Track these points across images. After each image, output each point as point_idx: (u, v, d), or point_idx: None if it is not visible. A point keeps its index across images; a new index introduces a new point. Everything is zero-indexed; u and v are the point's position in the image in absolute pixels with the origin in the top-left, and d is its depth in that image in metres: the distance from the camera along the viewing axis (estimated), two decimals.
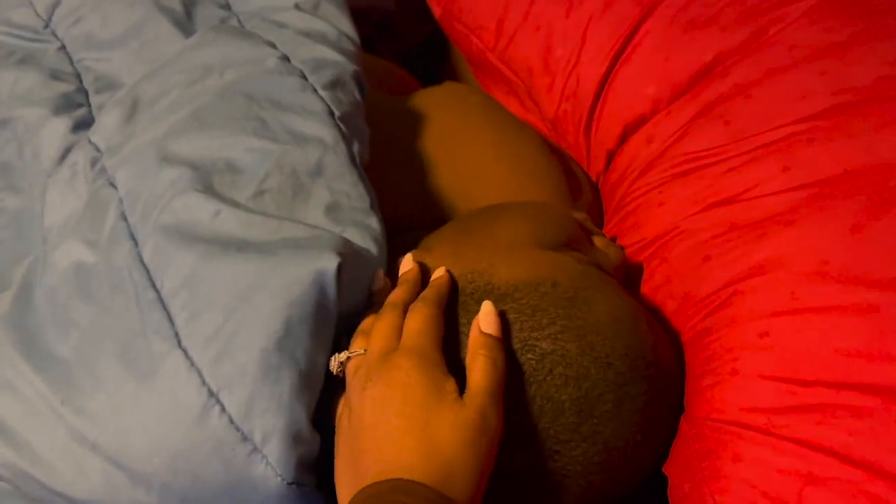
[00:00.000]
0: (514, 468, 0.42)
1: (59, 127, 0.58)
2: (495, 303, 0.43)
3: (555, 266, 0.45)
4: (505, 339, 0.42)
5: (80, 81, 0.62)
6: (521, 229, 0.48)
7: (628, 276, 0.54)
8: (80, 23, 0.65)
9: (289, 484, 0.41)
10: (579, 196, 0.61)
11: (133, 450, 0.41)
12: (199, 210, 0.45)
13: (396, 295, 0.44)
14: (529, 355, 0.42)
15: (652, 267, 0.52)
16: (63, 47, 0.65)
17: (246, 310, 0.41)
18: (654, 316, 0.49)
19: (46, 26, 0.66)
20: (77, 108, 0.60)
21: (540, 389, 0.41)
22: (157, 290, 0.44)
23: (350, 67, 0.56)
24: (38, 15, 0.67)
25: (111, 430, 0.41)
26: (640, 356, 0.43)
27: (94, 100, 0.60)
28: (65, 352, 0.44)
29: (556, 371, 0.42)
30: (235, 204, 0.46)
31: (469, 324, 0.43)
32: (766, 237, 0.46)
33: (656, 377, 0.44)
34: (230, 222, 0.45)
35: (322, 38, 0.58)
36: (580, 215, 0.54)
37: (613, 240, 0.57)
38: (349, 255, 0.44)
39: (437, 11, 0.78)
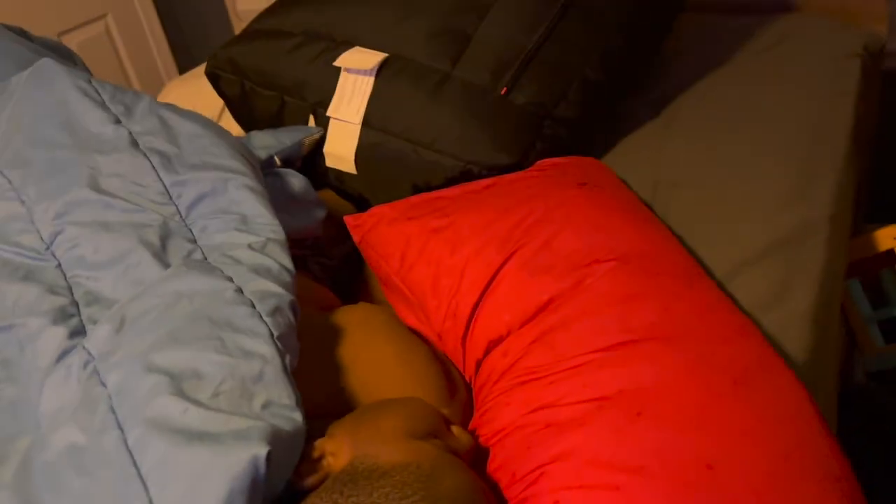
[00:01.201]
0: None
1: (56, 334, 0.74)
2: (378, 479, 0.63)
3: (420, 452, 0.66)
4: None
5: (72, 295, 0.79)
6: (398, 424, 0.70)
7: (478, 456, 0.75)
8: (75, 248, 0.83)
9: None
10: (454, 394, 0.83)
11: None
12: (172, 408, 0.63)
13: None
14: None
15: (495, 451, 0.74)
16: (59, 265, 0.82)
17: (201, 485, 0.58)
18: (493, 489, 0.70)
19: (48, 248, 0.84)
20: (70, 318, 0.77)
21: None
22: (137, 468, 0.60)
23: (287, 297, 0.78)
24: (42, 240, 0.85)
25: None
26: None
27: (84, 312, 0.78)
28: None
29: None
30: (198, 403, 0.64)
31: (354, 498, 0.62)
32: (564, 433, 0.70)
33: None
34: (193, 417, 0.62)
35: (267, 273, 0.80)
36: (445, 410, 0.76)
37: (470, 430, 0.78)
38: (276, 442, 0.61)
39: (356, 238, 1.03)
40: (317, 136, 1.18)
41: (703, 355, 0.73)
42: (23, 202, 0.87)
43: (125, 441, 0.63)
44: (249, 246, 0.83)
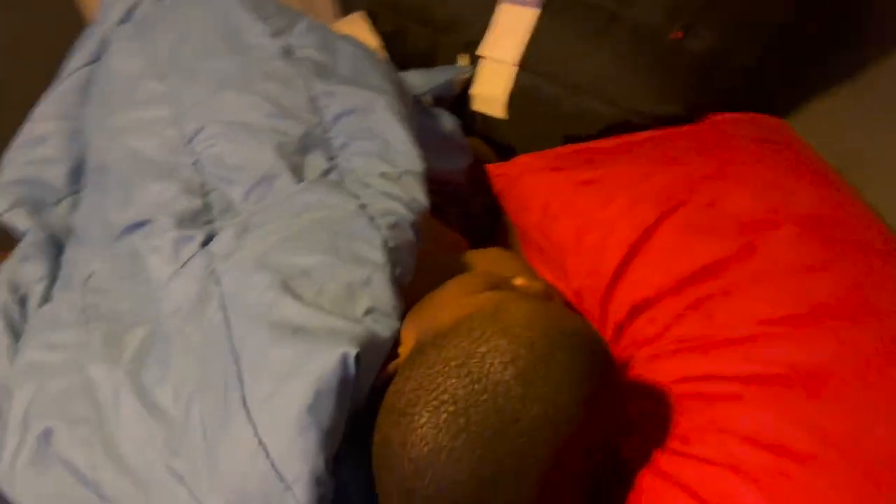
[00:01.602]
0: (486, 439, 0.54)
1: (185, 236, 0.75)
2: (443, 339, 0.58)
3: (479, 302, 0.62)
4: (452, 356, 0.56)
5: (206, 197, 0.80)
6: (453, 290, 0.66)
7: None
8: (214, 147, 0.82)
9: None
10: None
11: (209, 485, 0.56)
12: (274, 302, 0.63)
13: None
14: (474, 360, 0.56)
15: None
16: (197, 162, 0.82)
17: (290, 382, 0.57)
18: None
19: (188, 143, 0.84)
20: (202, 223, 0.77)
21: (489, 380, 0.55)
22: (236, 364, 0.60)
23: (410, 218, 0.74)
24: (184, 136, 0.85)
25: (193, 467, 0.57)
26: (556, 331, 0.57)
27: (215, 217, 0.77)
28: (163, 402, 0.61)
29: (495, 362, 0.55)
30: (301, 298, 0.63)
31: (426, 363, 0.57)
32: (717, 404, 0.60)
33: (579, 343, 0.58)
34: (294, 312, 0.62)
35: (396, 198, 0.76)
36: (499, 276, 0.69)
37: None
38: (369, 346, 0.60)
39: (496, 186, 0.96)
40: (468, 75, 1.11)
41: (886, 341, 0.60)
42: (179, 107, 0.88)
43: (230, 338, 0.62)
44: (383, 175, 0.80)
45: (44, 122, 0.98)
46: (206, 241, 0.75)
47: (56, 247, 0.89)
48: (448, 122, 1.03)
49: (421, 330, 0.62)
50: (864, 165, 0.90)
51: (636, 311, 0.75)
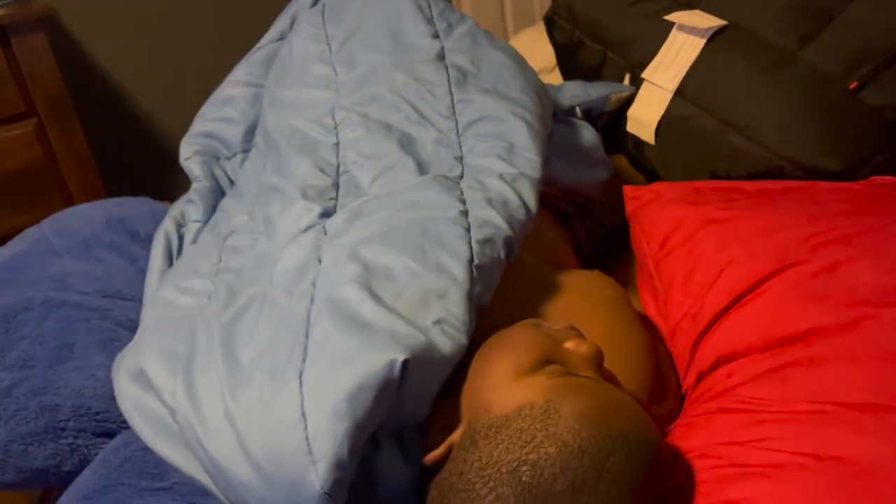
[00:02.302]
0: None
1: (310, 209, 0.82)
2: (495, 434, 0.59)
3: (532, 390, 0.61)
4: (504, 461, 0.57)
5: (338, 175, 0.87)
6: (504, 364, 0.64)
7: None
8: (355, 133, 0.90)
9: (324, 492, 0.59)
10: (661, 402, 0.74)
11: (252, 434, 0.63)
12: (354, 296, 0.68)
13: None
14: (524, 468, 0.57)
15: (677, 471, 0.64)
16: (337, 144, 0.91)
17: (340, 370, 0.62)
18: None
19: (335, 127, 0.93)
20: (327, 199, 0.84)
21: (540, 490, 0.56)
22: (306, 338, 0.66)
23: (505, 232, 0.76)
24: (333, 120, 0.94)
25: (246, 416, 0.64)
26: (605, 436, 0.57)
27: (341, 196, 0.84)
28: (243, 358, 0.68)
29: (545, 473, 0.56)
30: (377, 298, 0.67)
31: (478, 462, 0.59)
32: (746, 480, 0.58)
33: (627, 444, 0.57)
34: (367, 309, 0.66)
35: (502, 205, 0.79)
36: (550, 328, 0.68)
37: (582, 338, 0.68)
38: (425, 357, 0.63)
39: (628, 209, 0.96)
40: (625, 94, 1.11)
41: None
42: (337, 92, 0.97)
43: (309, 312, 0.68)
44: (500, 176, 0.83)
45: (233, 87, 1.13)
46: (324, 215, 0.82)
47: (218, 196, 1.02)
48: (589, 135, 1.05)
49: (473, 411, 0.63)
50: None
51: (720, 362, 0.73)
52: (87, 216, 1.01)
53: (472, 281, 0.70)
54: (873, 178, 0.91)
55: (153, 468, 0.71)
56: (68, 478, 0.78)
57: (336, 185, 0.86)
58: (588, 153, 1.04)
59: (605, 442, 0.57)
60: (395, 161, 0.86)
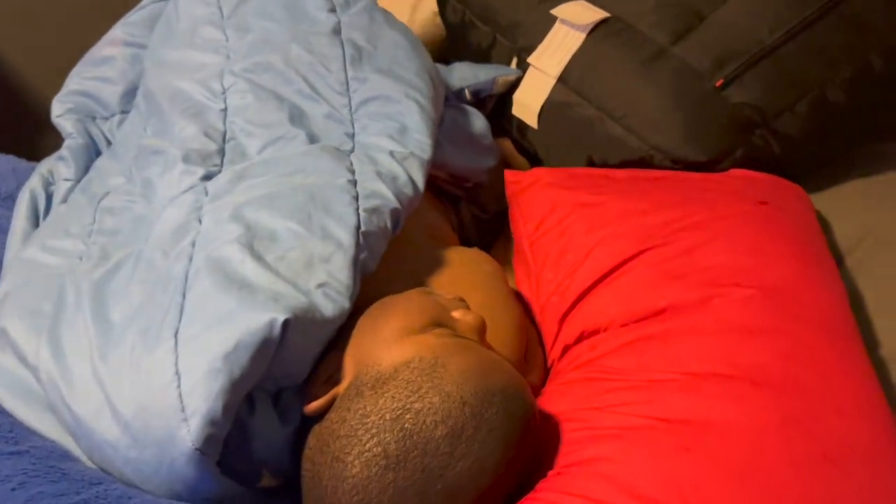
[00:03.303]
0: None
1: (191, 172, 0.82)
2: (382, 385, 0.63)
3: (420, 346, 0.66)
4: (388, 408, 0.62)
5: (224, 142, 0.87)
6: (395, 324, 0.68)
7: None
8: (244, 101, 0.90)
9: (195, 449, 0.61)
10: (527, 375, 0.79)
11: (121, 392, 0.64)
12: (234, 256, 0.69)
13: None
14: (408, 416, 0.61)
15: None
16: (225, 110, 0.90)
17: (218, 328, 0.63)
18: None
19: (223, 93, 0.92)
20: (211, 165, 0.84)
21: (420, 437, 0.60)
22: (183, 298, 0.67)
23: (392, 204, 0.79)
24: (221, 85, 0.93)
25: (115, 375, 0.65)
26: (486, 390, 0.63)
27: (227, 164, 0.84)
28: (115, 317, 0.69)
29: (427, 420, 0.61)
30: (259, 259, 0.69)
31: (362, 410, 0.62)
32: (598, 442, 0.64)
33: (506, 400, 0.63)
34: (248, 269, 0.68)
35: (391, 179, 0.82)
36: (440, 297, 0.73)
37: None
38: (306, 319, 0.65)
39: (508, 193, 1.01)
40: (512, 77, 1.16)
41: (800, 416, 0.63)
42: (228, 58, 0.96)
43: (187, 272, 0.69)
44: (391, 153, 0.86)
45: (112, 46, 1.11)
46: (206, 178, 0.82)
47: (91, 156, 1.00)
48: (479, 122, 1.09)
49: (361, 364, 0.67)
50: (884, 246, 0.91)
51: (584, 336, 0.79)
52: None
53: (358, 247, 0.73)
54: (732, 170, 0.99)
55: (7, 432, 0.70)
56: None
57: (222, 152, 0.86)
58: (478, 140, 1.08)
59: (486, 396, 0.62)
60: (285, 132, 0.87)
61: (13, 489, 0.62)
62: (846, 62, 1.01)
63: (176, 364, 0.63)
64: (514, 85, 1.18)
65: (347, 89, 0.93)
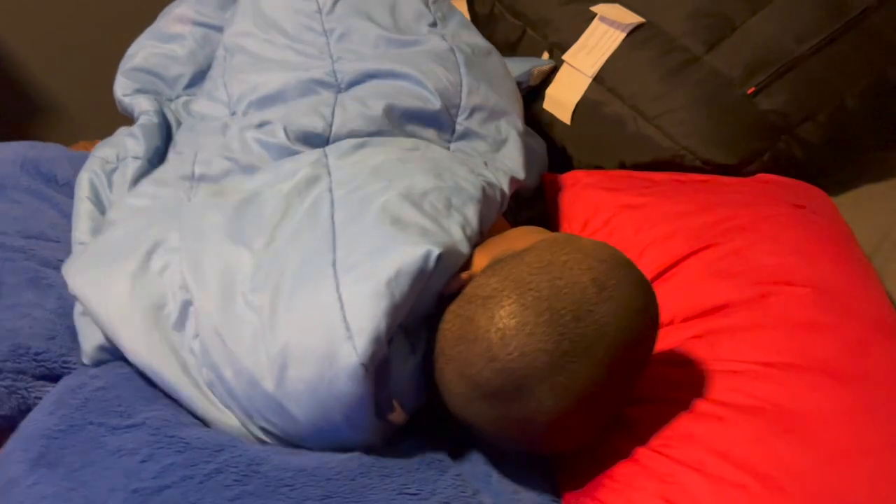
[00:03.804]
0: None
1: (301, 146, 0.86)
2: (522, 254, 0.69)
3: (548, 235, 0.73)
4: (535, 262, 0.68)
5: (332, 128, 0.88)
6: (533, 232, 0.77)
7: None
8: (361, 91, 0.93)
9: (360, 364, 0.65)
10: None
11: (279, 320, 0.68)
12: (382, 198, 0.75)
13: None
14: (555, 265, 0.67)
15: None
16: (340, 100, 0.91)
17: (378, 258, 0.68)
18: None
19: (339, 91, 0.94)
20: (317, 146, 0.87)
21: (569, 279, 0.66)
22: (334, 234, 0.72)
23: (500, 186, 0.86)
24: (335, 79, 0.94)
25: (272, 305, 0.69)
26: (621, 256, 0.70)
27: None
28: (256, 245, 0.74)
29: (574, 268, 0.66)
30: (406, 199, 0.75)
31: (508, 266, 0.68)
32: (701, 422, 0.70)
33: (638, 271, 0.70)
34: (396, 208, 0.74)
35: (492, 171, 0.88)
36: None
37: None
38: (449, 251, 0.71)
39: (548, 194, 1.06)
40: (547, 68, 1.20)
41: (876, 405, 0.69)
42: (332, 58, 0.97)
43: (332, 213, 0.75)
44: (485, 164, 0.91)
45: (179, 23, 1.10)
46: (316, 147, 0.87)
47: (163, 136, 1.00)
48: (540, 144, 1.16)
49: (495, 254, 0.73)
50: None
51: None
52: None
53: (482, 202, 0.79)
54: (759, 174, 1.05)
55: (117, 406, 0.71)
56: (3, 423, 0.77)
57: (328, 131, 0.89)
58: (538, 156, 1.13)
59: (622, 259, 0.69)
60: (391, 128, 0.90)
61: (142, 461, 0.65)
62: (865, 74, 1.09)
63: (337, 289, 0.68)
64: (546, 79, 1.22)
65: (461, 92, 0.95)
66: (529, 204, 1.11)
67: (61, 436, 0.67)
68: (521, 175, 0.93)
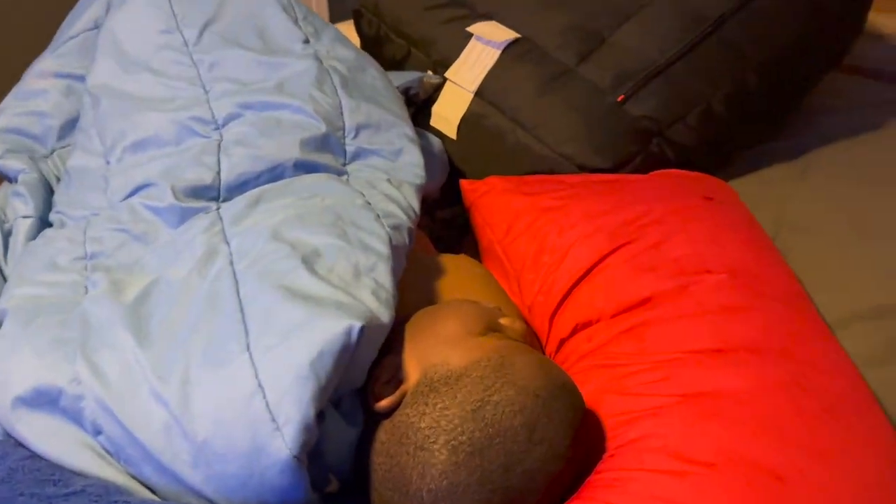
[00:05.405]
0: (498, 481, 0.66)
1: (191, 205, 0.83)
2: (455, 382, 0.69)
3: (484, 348, 0.73)
4: (468, 402, 0.69)
5: (220, 178, 0.88)
6: (455, 327, 0.75)
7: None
8: (242, 135, 0.91)
9: (293, 456, 0.63)
10: None
11: (191, 410, 0.65)
12: (289, 271, 0.72)
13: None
14: (488, 408, 0.68)
15: None
16: (221, 142, 0.91)
17: (296, 338, 0.66)
18: None
19: (216, 128, 0.93)
20: (209, 200, 0.86)
21: (500, 426, 0.67)
22: (242, 313, 0.69)
23: (408, 224, 0.86)
24: (213, 118, 0.94)
25: (180, 395, 0.65)
26: (553, 384, 0.71)
27: (223, 193, 0.86)
28: (159, 339, 0.70)
29: (506, 411, 0.68)
30: (313, 272, 0.72)
31: (441, 404, 0.69)
32: (638, 422, 0.75)
33: (568, 393, 0.72)
34: (305, 282, 0.71)
35: (397, 203, 0.88)
36: (489, 304, 0.82)
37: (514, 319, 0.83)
38: (371, 325, 0.69)
39: (467, 201, 1.09)
40: (435, 81, 1.24)
41: (795, 377, 0.75)
42: (205, 90, 0.96)
43: (237, 290, 0.72)
44: (389, 181, 0.92)
45: (41, 79, 1.08)
46: (209, 204, 0.85)
47: (47, 191, 0.98)
48: (436, 142, 1.18)
49: (427, 364, 0.72)
50: (800, 232, 1.06)
51: (578, 328, 0.88)
52: None
53: (394, 259, 0.78)
54: (656, 171, 1.12)
55: (51, 474, 0.69)
56: None
57: (217, 185, 0.88)
58: (436, 158, 1.15)
59: (553, 388, 0.71)
60: (285, 160, 0.89)
61: None
62: (726, 80, 1.18)
63: (256, 376, 0.65)
64: (431, 96, 1.25)
65: (342, 114, 0.96)
66: (447, 203, 1.14)
67: None
68: (424, 178, 0.95)
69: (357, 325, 0.67)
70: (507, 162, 1.18)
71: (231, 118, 0.93)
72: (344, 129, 0.96)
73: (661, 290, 0.87)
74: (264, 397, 0.64)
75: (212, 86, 0.97)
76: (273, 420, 0.63)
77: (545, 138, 1.16)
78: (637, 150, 1.17)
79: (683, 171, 1.10)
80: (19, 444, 0.71)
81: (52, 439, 0.70)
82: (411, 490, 0.67)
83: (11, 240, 0.92)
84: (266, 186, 0.85)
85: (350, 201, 0.83)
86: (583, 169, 1.13)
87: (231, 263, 0.75)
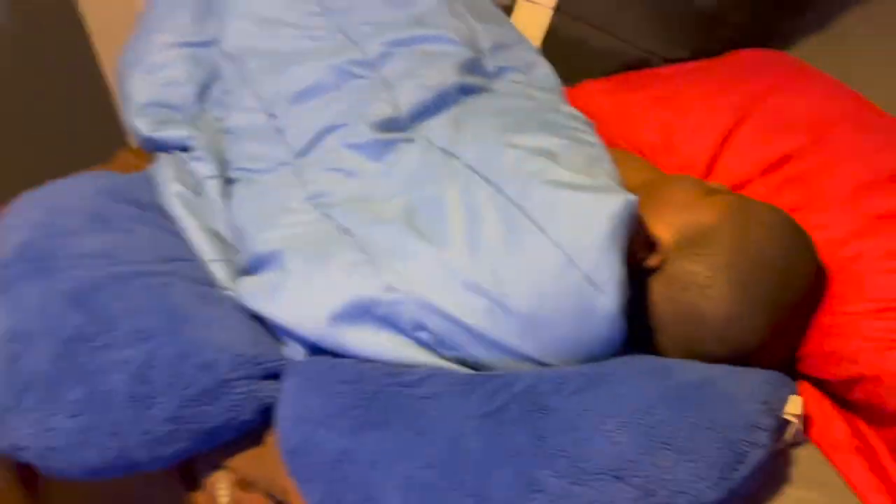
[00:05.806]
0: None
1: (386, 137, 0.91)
2: (714, 233, 0.81)
3: (721, 203, 0.84)
4: (732, 244, 0.80)
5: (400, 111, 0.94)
6: (685, 194, 0.87)
7: None
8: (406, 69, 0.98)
9: (617, 312, 0.74)
10: None
11: (509, 293, 0.74)
12: (542, 168, 0.80)
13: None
14: (749, 245, 0.80)
15: None
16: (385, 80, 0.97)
17: (587, 219, 0.75)
18: None
19: (372, 67, 0.99)
20: (398, 131, 0.93)
21: (765, 258, 0.79)
22: (519, 207, 0.77)
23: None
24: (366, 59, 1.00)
25: (495, 280, 0.74)
26: (787, 218, 0.84)
27: (409, 128, 0.93)
28: (452, 243, 0.78)
29: (763, 245, 0.80)
30: (566, 167, 0.80)
31: (708, 251, 0.80)
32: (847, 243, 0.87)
33: (796, 223, 0.85)
34: (563, 175, 0.79)
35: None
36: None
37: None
38: (633, 200, 0.77)
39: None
40: (507, 2, 1.30)
41: None
42: (347, 36, 1.01)
43: (501, 192, 0.79)
44: (539, 89, 1.00)
45: (159, 53, 1.08)
46: (407, 139, 0.91)
47: (219, 149, 1.01)
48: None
49: (679, 225, 0.82)
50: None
51: (734, 189, 0.98)
52: (76, 192, 0.93)
53: (602, 144, 0.87)
54: (743, 51, 1.19)
55: (393, 368, 0.78)
56: (243, 427, 0.78)
57: (399, 114, 0.93)
58: None
59: (787, 222, 0.84)
60: (450, 84, 0.96)
61: (462, 396, 0.72)
62: None
63: (564, 252, 0.73)
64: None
65: (477, 38, 1.04)
66: None
67: (366, 403, 0.71)
68: (559, 84, 1.04)
69: (632, 198, 0.76)
70: (594, 66, 1.26)
71: (384, 56, 0.98)
72: (483, 51, 1.03)
73: (798, 146, 0.97)
74: (578, 267, 0.73)
75: (352, 30, 1.01)
76: (592, 284, 0.73)
77: (629, 38, 1.25)
78: (710, 38, 1.26)
79: (757, 49, 1.19)
80: (336, 356, 0.80)
81: (376, 343, 0.78)
82: (707, 320, 0.78)
83: (202, 200, 0.96)
84: (453, 110, 0.92)
85: (537, 107, 0.91)
86: (667, 62, 1.23)
87: (475, 172, 0.81)
